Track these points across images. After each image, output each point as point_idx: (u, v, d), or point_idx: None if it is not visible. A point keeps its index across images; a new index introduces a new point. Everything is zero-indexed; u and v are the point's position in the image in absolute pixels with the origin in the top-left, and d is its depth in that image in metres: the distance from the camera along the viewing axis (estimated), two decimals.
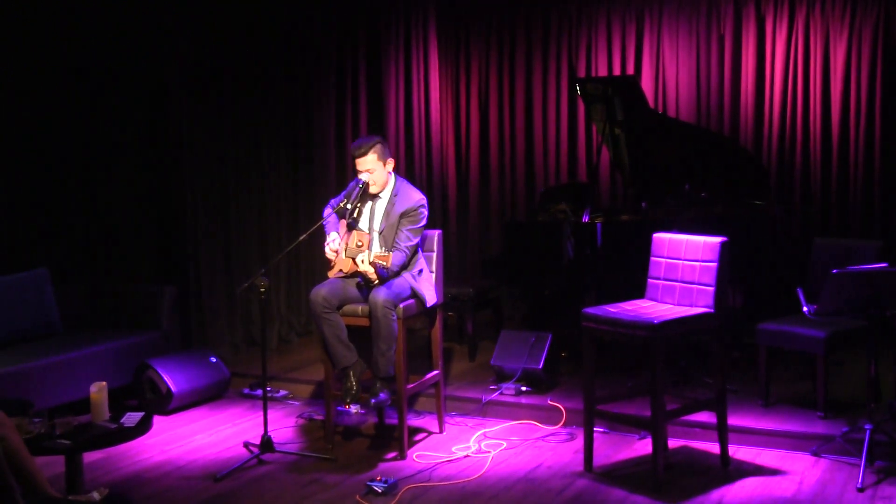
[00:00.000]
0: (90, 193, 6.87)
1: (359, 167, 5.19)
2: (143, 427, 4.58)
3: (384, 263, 4.98)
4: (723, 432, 4.85)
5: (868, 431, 4.63)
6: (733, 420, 5.12)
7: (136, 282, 6.75)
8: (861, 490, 4.49)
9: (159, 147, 6.97)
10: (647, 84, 7.88)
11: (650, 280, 5.00)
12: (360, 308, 5.13)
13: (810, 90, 7.44)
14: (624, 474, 4.85)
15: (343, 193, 5.34)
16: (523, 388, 5.93)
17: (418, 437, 5.47)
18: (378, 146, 5.19)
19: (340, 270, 5.20)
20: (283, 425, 5.75)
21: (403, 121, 8.21)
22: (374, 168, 5.18)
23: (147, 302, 6.43)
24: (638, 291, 5.08)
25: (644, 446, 5.18)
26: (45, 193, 6.62)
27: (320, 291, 5.08)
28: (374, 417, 5.81)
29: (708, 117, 7.79)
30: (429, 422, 5.71)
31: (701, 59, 7.78)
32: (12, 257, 6.34)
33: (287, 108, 7.55)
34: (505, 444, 5.30)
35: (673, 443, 5.19)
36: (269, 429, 5.27)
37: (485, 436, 5.46)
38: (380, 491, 4.61)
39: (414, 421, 5.72)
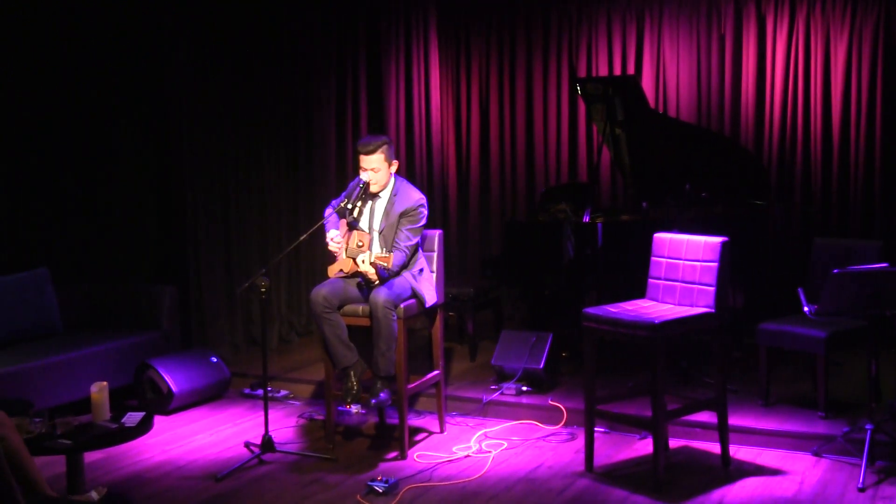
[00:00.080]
0: (91, 193, 6.87)
1: (363, 164, 5.18)
2: (144, 427, 4.59)
3: (385, 264, 4.98)
4: (723, 432, 4.85)
5: (869, 431, 4.63)
6: (734, 420, 5.12)
7: (136, 282, 6.75)
8: (862, 490, 4.48)
9: (160, 147, 6.97)
10: (647, 84, 7.88)
11: (651, 280, 5.00)
12: (360, 308, 5.13)
13: (811, 90, 7.43)
14: (625, 474, 4.85)
15: (343, 194, 5.34)
16: (524, 388, 5.92)
17: (419, 437, 5.47)
18: (386, 147, 5.19)
19: (341, 270, 5.20)
20: (284, 425, 5.75)
21: (404, 120, 8.21)
22: (378, 168, 5.18)
23: (147, 302, 6.43)
24: (639, 291, 5.08)
25: (645, 446, 5.18)
26: (46, 193, 6.62)
27: (321, 291, 5.08)
28: (375, 417, 5.81)
29: (708, 117, 7.79)
30: (429, 422, 5.71)
31: (701, 59, 7.78)
32: (13, 257, 6.34)
33: (287, 107, 7.55)
34: (506, 444, 5.30)
35: (674, 443, 5.19)
36: (270, 429, 5.27)
37: (485, 436, 5.46)
38: (381, 491, 4.61)
39: (415, 421, 5.71)
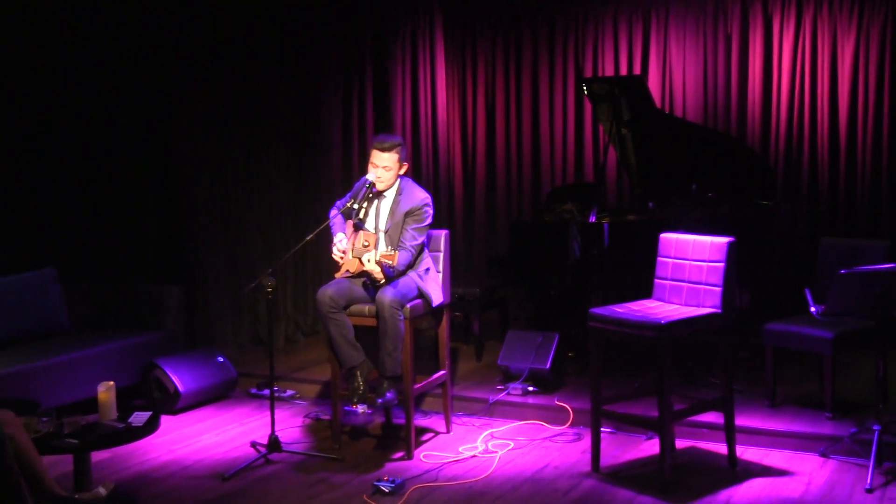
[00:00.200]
0: (95, 193, 6.88)
1: (376, 160, 5.19)
2: (151, 426, 4.60)
3: (390, 262, 4.98)
4: (730, 433, 4.84)
5: (876, 432, 4.62)
6: (740, 420, 5.11)
7: (141, 281, 6.76)
8: (869, 491, 4.47)
9: (164, 146, 6.98)
10: (653, 84, 7.87)
11: (657, 280, 5.00)
12: (366, 308, 5.13)
13: (817, 90, 7.42)
14: (631, 475, 4.85)
15: (349, 195, 5.34)
16: (530, 388, 5.92)
17: (425, 437, 5.47)
18: (401, 148, 5.22)
19: (347, 270, 5.21)
20: (290, 425, 5.76)
21: (410, 121, 8.21)
22: (390, 167, 5.19)
23: (154, 302, 6.44)
24: (645, 291, 5.07)
25: (651, 447, 5.18)
26: (51, 194, 6.64)
27: (327, 291, 5.08)
28: (381, 417, 5.81)
29: (715, 117, 7.78)
30: (436, 422, 5.71)
31: (708, 59, 7.77)
32: (20, 257, 6.35)
33: (292, 107, 7.55)
34: (512, 445, 5.30)
35: (680, 443, 5.18)
36: (276, 428, 5.27)
37: (492, 436, 5.46)
38: (387, 491, 4.61)
39: (421, 421, 5.72)
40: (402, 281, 5.14)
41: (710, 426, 5.19)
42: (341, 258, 5.20)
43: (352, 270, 5.17)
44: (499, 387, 6.01)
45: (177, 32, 6.78)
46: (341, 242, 5.20)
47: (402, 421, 5.44)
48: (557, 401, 5.70)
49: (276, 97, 7.43)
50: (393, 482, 4.65)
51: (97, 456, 5.02)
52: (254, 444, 5.37)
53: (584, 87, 6.84)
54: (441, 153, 8.51)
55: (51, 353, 5.67)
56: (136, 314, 6.45)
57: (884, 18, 7.14)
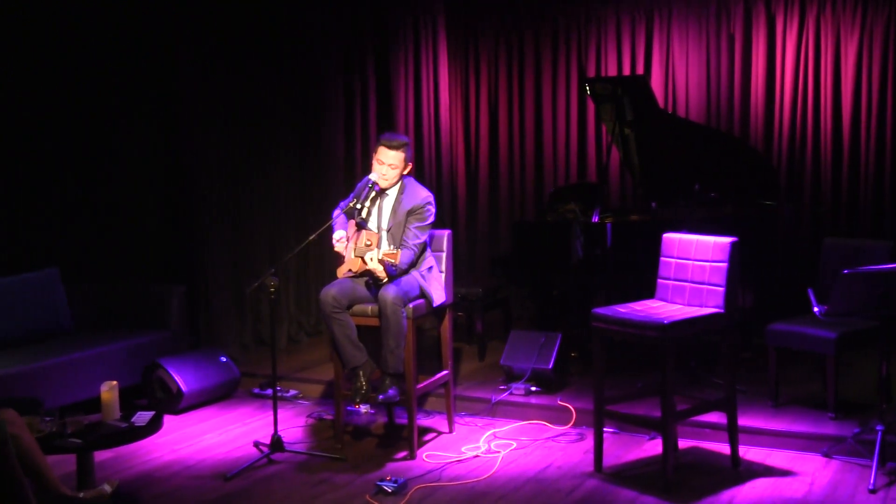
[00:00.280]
0: (99, 193, 6.88)
1: (382, 157, 5.19)
2: (154, 426, 4.60)
3: (393, 261, 4.97)
4: (733, 433, 4.84)
5: (879, 432, 4.62)
6: (743, 421, 5.11)
7: (145, 281, 6.77)
8: (873, 491, 4.47)
9: (168, 146, 6.99)
10: (656, 84, 7.87)
11: (660, 280, 4.99)
12: (369, 308, 5.14)
13: (821, 90, 7.41)
14: (634, 475, 4.85)
15: (352, 195, 5.35)
16: (533, 389, 5.92)
17: (428, 437, 5.47)
18: (408, 148, 5.23)
19: (350, 270, 5.21)
20: (293, 425, 5.76)
21: (413, 121, 8.21)
22: (396, 165, 5.19)
23: (157, 301, 6.44)
24: (648, 292, 5.07)
25: (654, 447, 5.18)
26: (54, 193, 6.64)
27: (330, 291, 5.08)
28: (384, 417, 5.81)
29: (718, 117, 7.78)
30: (438, 422, 5.71)
31: (711, 59, 7.76)
32: (23, 257, 6.36)
33: (295, 107, 7.55)
34: (515, 445, 5.30)
35: (683, 443, 5.18)
36: (279, 428, 5.27)
37: (494, 436, 5.45)
38: (389, 491, 4.61)
39: (423, 421, 5.71)
40: (405, 279, 5.14)
41: (713, 426, 5.19)
42: (343, 249, 5.20)
43: (354, 269, 5.17)
44: (501, 387, 6.01)
45: (181, 32, 6.78)
46: (343, 239, 5.22)
47: (404, 421, 5.44)
48: (560, 401, 5.70)
49: (279, 97, 7.43)
50: (395, 482, 4.65)
51: (100, 456, 5.02)
52: (256, 444, 5.37)
53: (587, 87, 6.84)
54: (444, 153, 8.51)
55: (54, 353, 5.68)
56: (139, 314, 6.46)
57: (887, 18, 7.13)
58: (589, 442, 5.19)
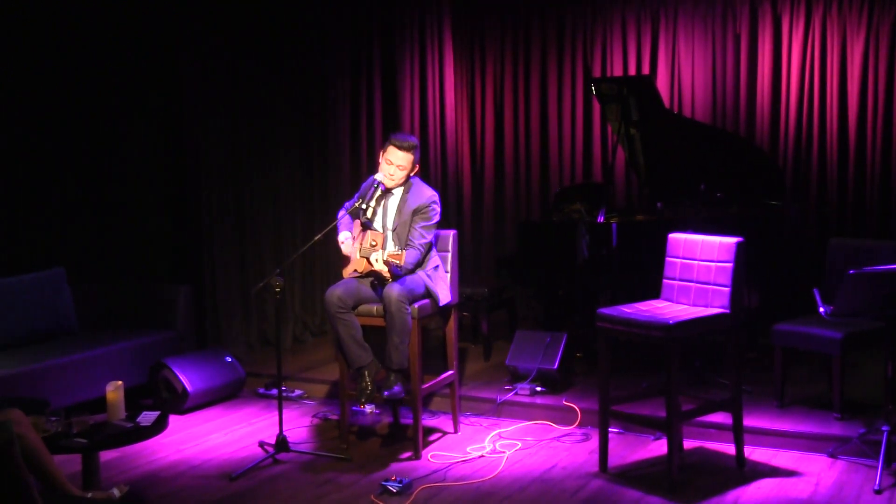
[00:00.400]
0: (105, 192, 6.90)
1: (391, 157, 5.19)
2: (159, 426, 4.61)
3: (398, 262, 4.98)
4: (738, 433, 4.83)
5: (885, 433, 4.61)
6: (749, 421, 5.10)
7: (150, 281, 6.78)
8: (878, 492, 4.46)
9: (173, 146, 7.00)
10: (662, 84, 7.86)
11: (665, 280, 4.99)
12: (374, 308, 5.14)
13: (827, 90, 7.39)
14: (639, 475, 4.84)
15: (357, 195, 5.35)
16: (538, 389, 5.92)
17: (433, 437, 5.47)
18: (417, 150, 5.24)
19: (355, 270, 5.21)
20: (298, 425, 5.77)
21: (418, 120, 8.20)
22: (404, 166, 5.20)
23: (162, 301, 6.46)
24: (653, 292, 5.06)
25: (659, 447, 5.17)
26: (60, 193, 6.65)
27: (335, 291, 5.09)
28: (389, 417, 5.81)
29: (723, 117, 7.76)
30: (443, 422, 5.72)
31: (717, 59, 7.75)
32: (28, 257, 6.37)
33: (301, 106, 7.56)
34: (520, 445, 5.30)
35: (688, 443, 5.17)
36: (284, 428, 5.28)
37: (499, 436, 5.45)
38: (394, 491, 4.61)
39: (429, 421, 5.72)
40: (410, 278, 5.15)
41: (719, 426, 5.18)
42: (349, 249, 5.20)
43: (360, 270, 5.17)
44: (507, 387, 6.01)
45: (184, 31, 6.79)
46: (347, 240, 5.22)
47: (409, 421, 5.45)
48: (565, 401, 5.70)
49: (285, 97, 7.44)
50: (400, 482, 4.65)
51: (105, 455, 5.03)
52: (262, 444, 5.38)
53: (593, 87, 6.83)
54: (449, 153, 8.50)
55: (59, 353, 5.69)
56: (145, 314, 6.47)
57: (893, 18, 7.11)
58: (594, 442, 5.19)
